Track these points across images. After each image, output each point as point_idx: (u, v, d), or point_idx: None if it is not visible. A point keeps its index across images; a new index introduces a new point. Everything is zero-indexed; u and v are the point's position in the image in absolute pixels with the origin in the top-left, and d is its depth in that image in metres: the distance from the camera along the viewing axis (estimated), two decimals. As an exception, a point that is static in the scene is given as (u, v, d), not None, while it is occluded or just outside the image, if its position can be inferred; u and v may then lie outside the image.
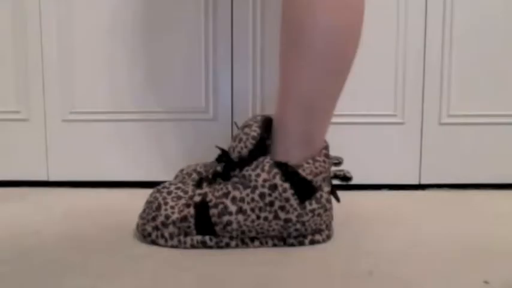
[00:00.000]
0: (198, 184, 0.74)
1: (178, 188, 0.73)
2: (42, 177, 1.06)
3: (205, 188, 0.72)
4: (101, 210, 0.88)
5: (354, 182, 0.78)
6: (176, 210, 0.69)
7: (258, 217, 0.68)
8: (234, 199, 0.68)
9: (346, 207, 0.85)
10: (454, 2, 1.01)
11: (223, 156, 0.75)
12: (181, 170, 0.90)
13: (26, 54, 1.03)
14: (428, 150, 1.05)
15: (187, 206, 0.70)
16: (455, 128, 1.05)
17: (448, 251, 0.69)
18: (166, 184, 0.75)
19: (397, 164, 1.05)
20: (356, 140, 1.04)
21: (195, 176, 0.85)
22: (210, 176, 0.75)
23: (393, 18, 1.02)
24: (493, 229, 0.79)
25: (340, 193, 0.77)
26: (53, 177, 1.06)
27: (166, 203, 0.70)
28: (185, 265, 0.63)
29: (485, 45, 1.03)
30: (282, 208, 0.68)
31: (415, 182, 1.06)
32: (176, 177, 0.90)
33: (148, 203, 0.72)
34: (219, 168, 0.74)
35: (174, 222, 0.69)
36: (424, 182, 1.05)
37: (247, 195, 0.68)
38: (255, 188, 0.68)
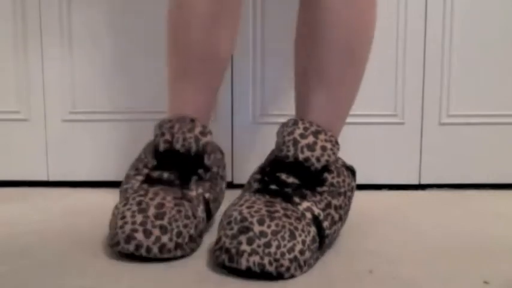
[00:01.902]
0: None
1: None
2: (42, 177, 1.06)
3: (308, 202, 0.67)
4: (100, 210, 0.88)
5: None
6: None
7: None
8: (335, 208, 0.68)
9: (346, 207, 0.85)
10: (454, 2, 1.01)
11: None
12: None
13: (26, 54, 1.03)
14: (428, 150, 1.05)
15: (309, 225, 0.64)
16: (455, 128, 1.05)
17: (448, 251, 0.69)
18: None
19: (397, 164, 1.05)
20: (356, 140, 1.03)
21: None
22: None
23: (393, 18, 1.02)
24: (493, 229, 0.79)
25: (340, 193, 0.77)
26: (53, 177, 1.06)
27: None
28: (185, 265, 0.63)
29: (485, 46, 1.03)
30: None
31: (415, 182, 1.06)
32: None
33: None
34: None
35: (309, 247, 0.63)
36: (424, 182, 1.05)
37: (343, 201, 0.69)
38: (345, 193, 0.70)
